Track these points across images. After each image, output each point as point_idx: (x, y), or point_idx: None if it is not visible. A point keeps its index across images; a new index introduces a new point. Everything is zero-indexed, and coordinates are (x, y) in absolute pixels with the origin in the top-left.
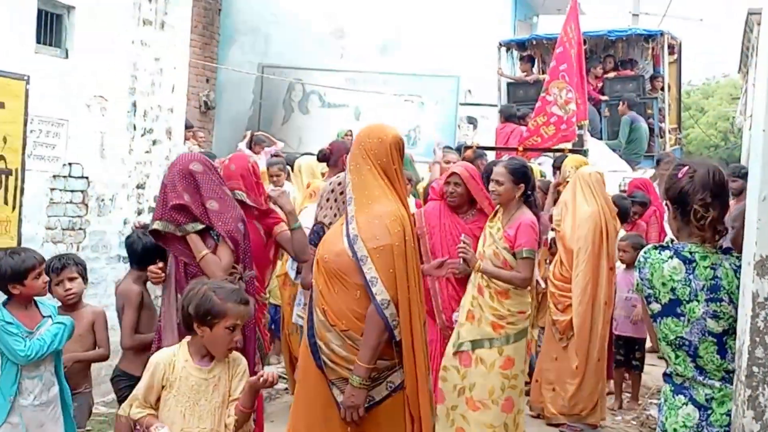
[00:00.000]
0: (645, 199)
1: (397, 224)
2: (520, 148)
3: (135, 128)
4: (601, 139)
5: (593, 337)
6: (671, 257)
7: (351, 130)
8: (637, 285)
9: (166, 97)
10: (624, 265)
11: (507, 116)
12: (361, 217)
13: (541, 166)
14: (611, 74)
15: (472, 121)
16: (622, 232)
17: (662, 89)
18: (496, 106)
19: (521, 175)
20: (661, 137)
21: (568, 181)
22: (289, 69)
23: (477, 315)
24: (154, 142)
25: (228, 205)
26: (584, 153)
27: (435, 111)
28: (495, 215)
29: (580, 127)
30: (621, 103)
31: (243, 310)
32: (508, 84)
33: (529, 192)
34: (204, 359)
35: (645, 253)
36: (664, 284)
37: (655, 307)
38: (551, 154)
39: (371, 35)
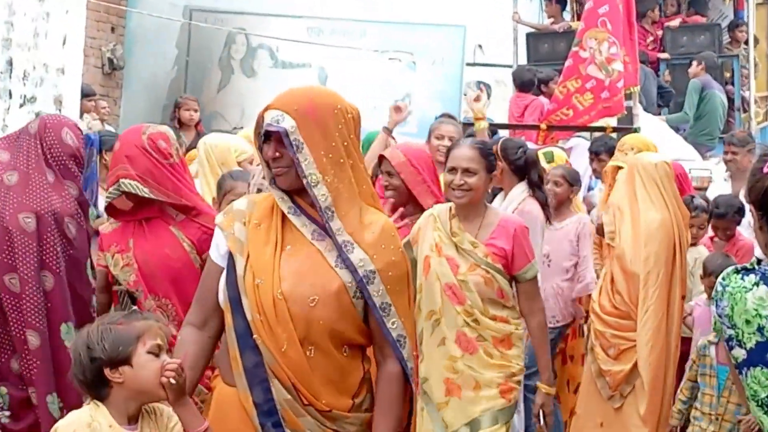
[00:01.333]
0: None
1: (398, 237)
2: (543, 126)
3: (11, 95)
4: (659, 113)
5: (666, 395)
6: (757, 284)
7: None
8: (715, 324)
9: (54, 52)
10: (705, 296)
11: (522, 83)
12: (361, 234)
13: (574, 151)
14: (674, 21)
15: (483, 87)
16: (702, 251)
17: (746, 43)
18: (512, 67)
19: (493, 158)
20: (744, 110)
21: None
22: (227, 14)
23: (468, 383)
24: (37, 115)
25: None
26: (635, 131)
27: (432, 73)
28: (438, 219)
29: (629, 96)
30: (695, 63)
31: (156, 324)
32: (529, 35)
33: (536, 184)
34: (132, 421)
35: (724, 279)
36: (748, 322)
37: (739, 353)
38: (587, 133)
39: None
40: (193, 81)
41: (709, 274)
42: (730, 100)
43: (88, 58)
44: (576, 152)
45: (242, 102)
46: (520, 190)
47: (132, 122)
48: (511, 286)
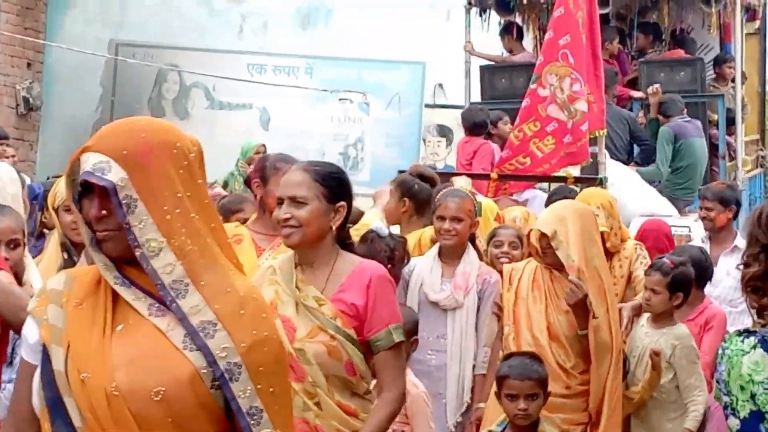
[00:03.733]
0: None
1: (266, 307)
2: (494, 175)
3: None
4: (628, 161)
5: None
6: (755, 347)
7: (264, 145)
8: (715, 392)
9: None
10: None
11: (473, 125)
12: (226, 310)
13: (529, 205)
14: (650, 54)
15: (444, 131)
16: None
17: (733, 80)
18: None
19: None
20: (731, 158)
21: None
22: (158, 49)
23: None
24: None
25: None
26: (600, 183)
27: (387, 115)
28: (278, 271)
29: (594, 141)
30: (651, 104)
31: None
32: (484, 69)
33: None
34: None
35: (725, 341)
36: (742, 388)
37: (733, 423)
38: (546, 184)
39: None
40: None
41: None
42: (714, 146)
43: (1, 97)
44: (532, 206)
45: None
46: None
47: (50, 169)
48: (368, 361)
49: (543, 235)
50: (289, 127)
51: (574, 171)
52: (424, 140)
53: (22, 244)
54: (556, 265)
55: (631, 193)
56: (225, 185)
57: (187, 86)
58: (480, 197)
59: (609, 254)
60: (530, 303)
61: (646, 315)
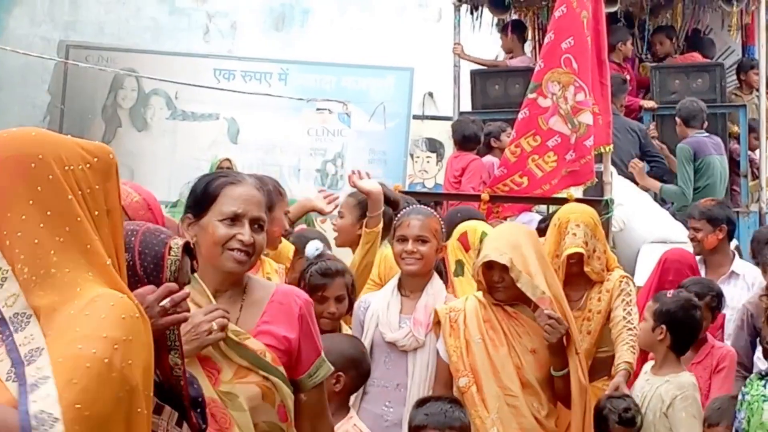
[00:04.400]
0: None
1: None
2: (485, 196)
3: None
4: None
5: None
6: None
7: (229, 159)
8: None
9: None
10: None
11: (463, 138)
12: (55, 341)
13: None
14: (664, 59)
15: (434, 146)
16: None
17: (758, 89)
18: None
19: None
20: (753, 176)
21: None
22: (113, 51)
23: None
24: None
25: None
26: (606, 205)
27: (370, 129)
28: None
29: (599, 158)
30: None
31: None
32: (475, 74)
33: None
34: None
35: (746, 386)
36: None
37: None
38: (543, 207)
39: None
40: (69, 134)
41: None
42: (735, 162)
43: None
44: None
45: (131, 161)
46: None
47: None
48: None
49: (490, 266)
50: (261, 140)
51: (577, 192)
52: (412, 156)
53: None
54: (508, 300)
55: (642, 216)
56: None
57: (146, 93)
58: (476, 223)
59: (588, 283)
60: (489, 347)
61: (650, 363)
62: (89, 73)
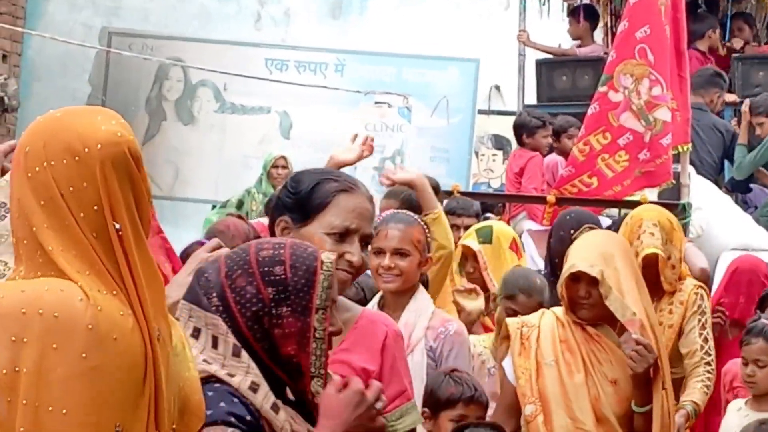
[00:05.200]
0: None
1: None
2: (551, 198)
3: None
4: (718, 180)
5: None
6: None
7: (285, 157)
8: None
9: None
10: None
11: (525, 132)
12: None
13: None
14: (746, 49)
15: (500, 143)
16: None
17: None
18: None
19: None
20: None
21: None
22: (159, 39)
23: None
24: None
25: None
26: (683, 210)
27: (432, 124)
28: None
29: (676, 158)
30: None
31: None
32: (541, 64)
33: None
34: None
35: None
36: None
37: None
38: (614, 210)
39: None
40: None
41: None
42: None
43: None
44: None
45: (176, 158)
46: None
47: None
48: None
49: (575, 279)
50: (315, 136)
51: (651, 195)
52: (477, 153)
53: None
54: (592, 320)
55: (722, 222)
56: (239, 205)
57: (193, 85)
58: (491, 221)
59: (657, 292)
60: (563, 372)
61: (741, 400)
62: (133, 63)
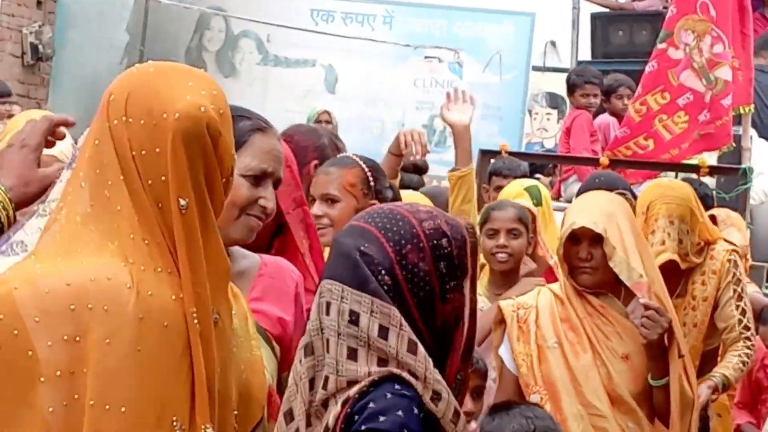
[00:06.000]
0: None
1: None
2: (604, 160)
3: None
4: None
5: None
6: None
7: (328, 112)
8: None
9: None
10: None
11: (568, 91)
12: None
13: None
14: None
15: (555, 101)
16: None
17: None
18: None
19: None
20: None
21: None
22: None
23: None
24: None
25: None
26: (743, 174)
27: (484, 80)
28: None
29: (737, 120)
30: None
31: None
32: (595, 18)
33: None
34: None
35: None
36: None
37: None
38: (672, 173)
39: None
40: None
41: None
42: None
43: (4, 44)
44: None
45: None
46: None
47: None
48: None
49: (575, 240)
50: (361, 91)
51: (710, 158)
52: (530, 112)
53: None
54: (594, 287)
55: None
56: None
57: (235, 36)
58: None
59: (676, 291)
60: (568, 354)
61: None
62: (172, 12)
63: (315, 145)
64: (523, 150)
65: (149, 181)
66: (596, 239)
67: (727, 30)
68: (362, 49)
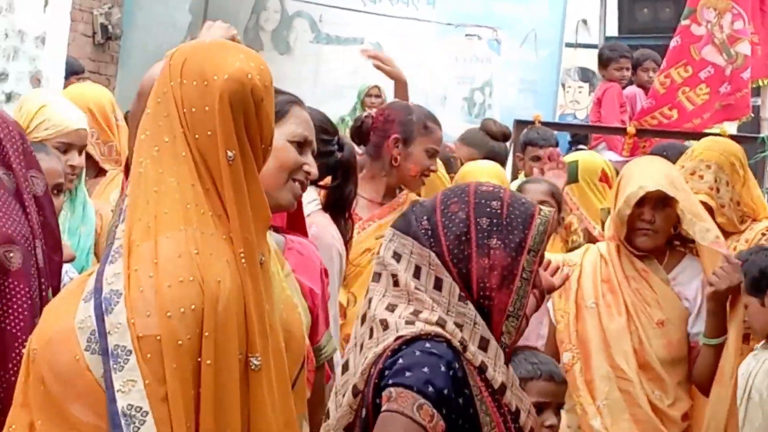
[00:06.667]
0: None
1: (191, 292)
2: (631, 129)
3: None
4: None
5: None
6: None
7: (378, 86)
8: None
9: (33, 16)
10: None
11: (601, 64)
12: (138, 264)
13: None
14: None
15: (586, 76)
16: None
17: None
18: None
19: None
20: None
21: None
22: None
23: None
24: (8, 98)
25: None
26: (762, 143)
27: (520, 55)
28: None
29: (756, 92)
30: None
31: None
32: None
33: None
34: None
35: None
36: None
37: None
38: (695, 142)
39: None
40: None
41: None
42: None
43: (76, 24)
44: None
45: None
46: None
47: (129, 106)
48: None
49: (637, 203)
50: (406, 67)
51: (730, 128)
52: (563, 85)
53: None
54: (650, 250)
55: None
56: None
57: (290, 16)
58: (577, 153)
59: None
60: (603, 316)
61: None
62: None
63: (400, 119)
64: (557, 120)
65: (196, 136)
66: (659, 203)
67: (747, 7)
68: (407, 27)
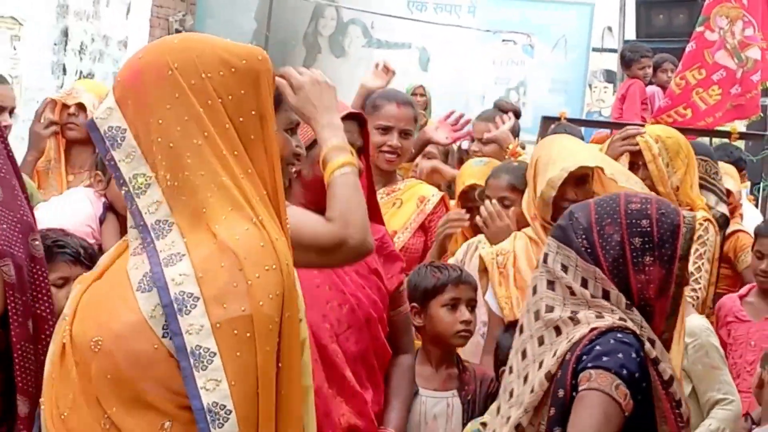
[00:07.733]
0: None
1: (273, 273)
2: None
3: (64, 70)
4: None
5: None
6: None
7: (422, 86)
8: None
9: (116, 22)
10: None
11: (624, 64)
12: (197, 252)
13: None
14: None
15: (611, 77)
16: None
17: None
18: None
19: None
20: None
21: None
22: None
23: None
24: None
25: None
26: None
27: (552, 59)
28: None
29: (765, 93)
30: None
31: None
32: (640, 3)
33: None
34: None
35: None
36: None
37: None
38: (706, 139)
39: None
40: (273, 59)
41: None
42: None
43: (154, 30)
44: None
45: None
46: None
47: None
48: None
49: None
50: (449, 69)
51: (741, 126)
52: (590, 86)
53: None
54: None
55: None
56: None
57: (345, 23)
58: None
59: None
60: None
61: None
62: (292, 3)
63: (362, 106)
64: (584, 117)
65: (240, 119)
66: (580, 180)
67: (757, 16)
68: (450, 33)
